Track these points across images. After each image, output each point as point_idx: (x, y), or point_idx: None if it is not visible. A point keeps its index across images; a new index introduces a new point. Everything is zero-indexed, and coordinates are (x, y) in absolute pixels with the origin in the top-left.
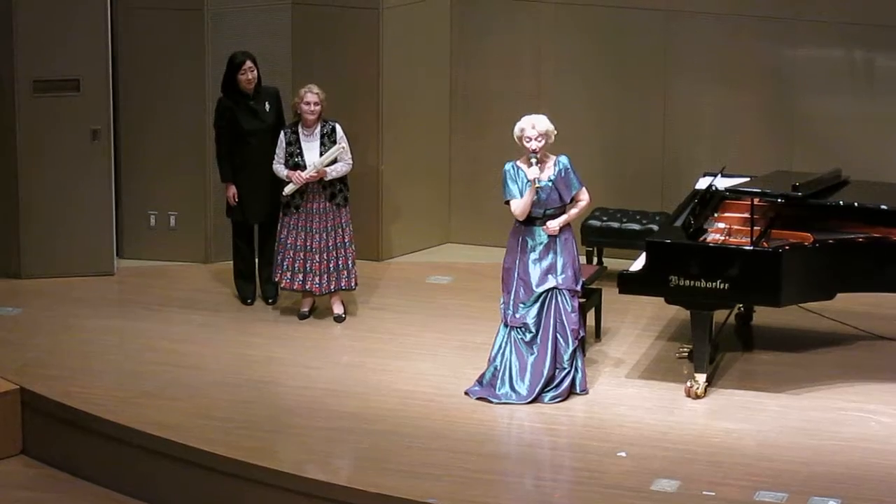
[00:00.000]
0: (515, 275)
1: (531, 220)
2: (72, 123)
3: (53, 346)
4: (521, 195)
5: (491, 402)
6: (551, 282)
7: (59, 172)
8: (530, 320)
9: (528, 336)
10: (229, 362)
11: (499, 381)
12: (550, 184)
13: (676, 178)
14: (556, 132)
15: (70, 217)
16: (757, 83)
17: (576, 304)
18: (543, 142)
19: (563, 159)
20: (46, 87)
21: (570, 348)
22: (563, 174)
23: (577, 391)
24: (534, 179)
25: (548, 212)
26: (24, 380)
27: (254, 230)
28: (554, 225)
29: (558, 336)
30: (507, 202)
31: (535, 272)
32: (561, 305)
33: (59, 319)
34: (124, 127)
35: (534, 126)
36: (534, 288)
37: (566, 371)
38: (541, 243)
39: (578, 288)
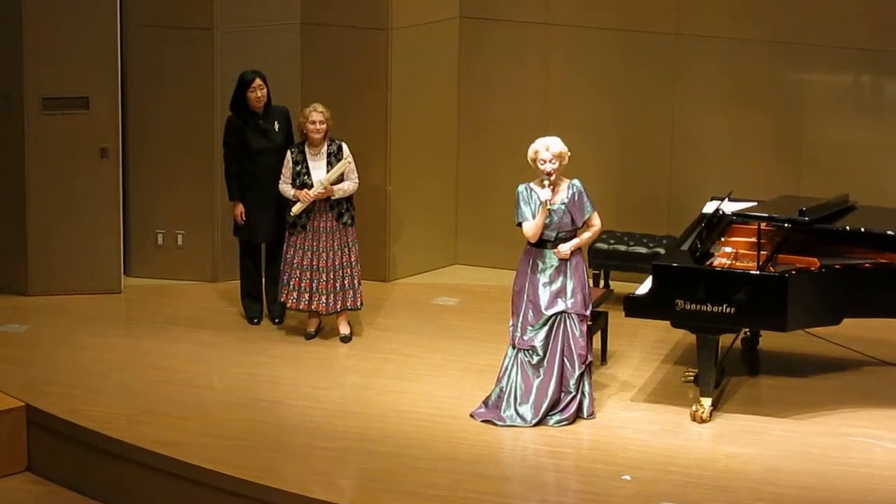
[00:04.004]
0: (525, 297)
1: (542, 243)
2: (80, 141)
3: (59, 364)
4: (534, 217)
5: (496, 424)
6: (561, 305)
7: (67, 190)
8: (538, 343)
9: (536, 359)
10: (235, 381)
11: (504, 403)
12: (563, 207)
13: (684, 202)
14: (569, 154)
15: (78, 235)
16: (765, 107)
17: (584, 329)
18: (557, 164)
19: (577, 182)
20: (55, 105)
21: (577, 372)
22: (576, 197)
23: (584, 416)
24: (546, 201)
25: (560, 235)
26: (30, 397)
27: (261, 249)
28: (565, 248)
29: (565, 360)
30: (520, 224)
31: (544, 295)
32: (570, 329)
33: (66, 337)
34: (133, 145)
35: (548, 148)
36: (543, 311)
37: (572, 395)
38: (551, 266)
39: (587, 313)
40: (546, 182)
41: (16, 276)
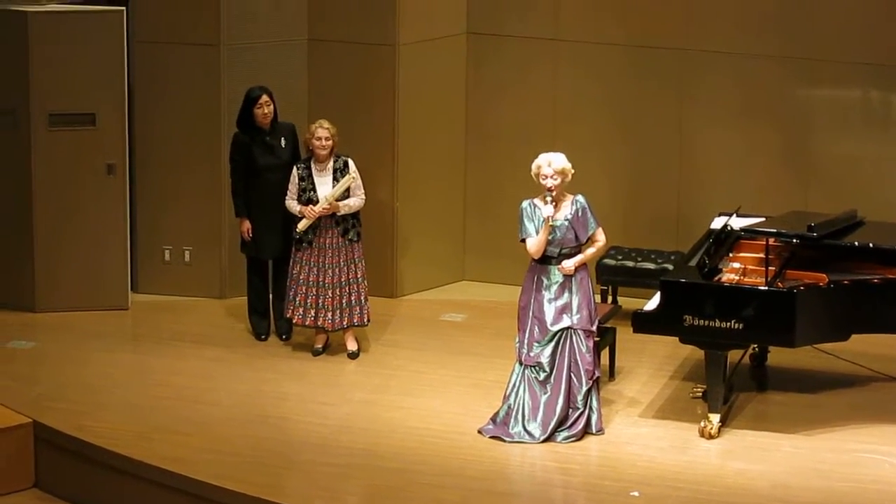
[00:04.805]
0: (531, 314)
1: (547, 260)
2: (87, 157)
3: (66, 380)
4: (537, 233)
5: (504, 440)
6: (566, 321)
7: (74, 206)
8: (545, 359)
9: (542, 375)
10: (242, 398)
11: (512, 420)
12: (567, 223)
13: (692, 218)
14: (573, 171)
15: (85, 251)
16: (773, 122)
17: (591, 345)
18: (559, 180)
19: (581, 199)
20: (62, 121)
21: (584, 388)
22: (579, 213)
23: (593, 431)
24: (548, 217)
25: (563, 251)
26: (37, 413)
27: (268, 266)
28: (569, 265)
29: (572, 376)
30: (523, 240)
31: (550, 311)
32: (576, 345)
33: (73, 353)
34: (139, 161)
35: (550, 164)
36: (549, 327)
37: (580, 411)
38: (556, 283)
39: (594, 328)
40: (548, 198)
41: (22, 293)
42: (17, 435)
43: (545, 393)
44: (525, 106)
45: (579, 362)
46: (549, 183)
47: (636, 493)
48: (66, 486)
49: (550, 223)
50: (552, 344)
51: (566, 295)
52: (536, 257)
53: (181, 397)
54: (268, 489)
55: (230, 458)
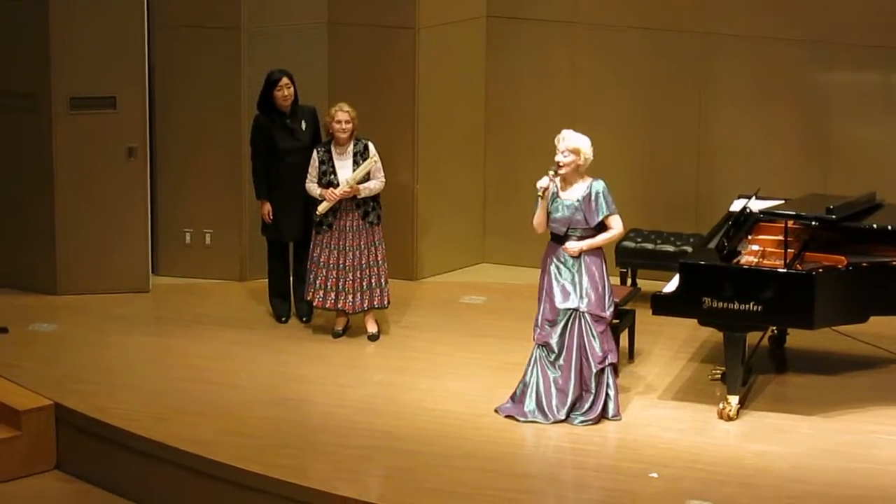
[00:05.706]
0: (543, 292)
1: (558, 238)
2: (108, 141)
3: (88, 362)
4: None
5: (518, 420)
6: (573, 302)
7: (95, 189)
8: (553, 340)
9: (552, 356)
10: (262, 380)
11: (527, 399)
12: (577, 204)
13: (711, 201)
14: (589, 156)
15: (106, 234)
16: (792, 105)
17: (601, 329)
18: (570, 158)
19: (598, 184)
20: (83, 105)
21: (594, 372)
22: (591, 197)
23: (609, 417)
24: (541, 188)
25: (571, 231)
26: (59, 395)
27: (288, 248)
28: (571, 246)
29: (583, 359)
30: None
31: (557, 290)
32: (584, 329)
33: (94, 336)
34: (160, 144)
35: (564, 139)
36: (557, 306)
37: (593, 395)
38: (564, 263)
39: (606, 314)
40: (551, 172)
41: (44, 276)
42: (39, 417)
43: (555, 373)
44: (544, 89)
45: (587, 347)
46: (558, 157)
47: (655, 475)
48: (88, 467)
49: (540, 195)
50: (561, 325)
51: (575, 276)
52: (538, 231)
53: (202, 379)
54: (289, 471)
55: (250, 441)
